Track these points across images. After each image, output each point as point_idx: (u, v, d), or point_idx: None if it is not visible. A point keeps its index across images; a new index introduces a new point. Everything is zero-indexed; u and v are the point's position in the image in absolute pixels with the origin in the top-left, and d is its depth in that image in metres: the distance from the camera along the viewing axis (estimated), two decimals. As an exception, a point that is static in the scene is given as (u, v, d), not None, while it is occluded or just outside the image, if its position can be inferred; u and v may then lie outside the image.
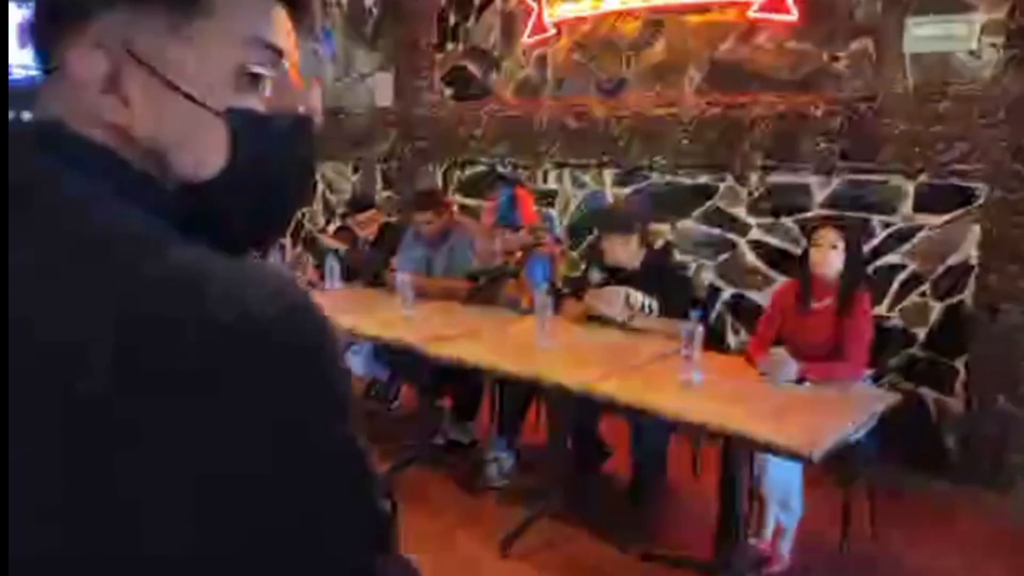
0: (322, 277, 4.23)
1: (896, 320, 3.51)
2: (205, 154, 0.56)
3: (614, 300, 3.22)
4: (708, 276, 4.09)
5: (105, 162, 0.54)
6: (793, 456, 2.16)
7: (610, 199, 4.39)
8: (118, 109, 0.54)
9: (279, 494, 0.48)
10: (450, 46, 5.12)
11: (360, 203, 4.55)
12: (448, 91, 5.17)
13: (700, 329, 2.54)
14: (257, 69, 0.57)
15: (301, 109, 0.60)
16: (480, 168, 5.03)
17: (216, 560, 0.47)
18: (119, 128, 0.54)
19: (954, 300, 3.41)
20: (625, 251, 3.23)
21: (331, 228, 4.54)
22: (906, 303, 3.52)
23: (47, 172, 0.52)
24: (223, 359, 0.47)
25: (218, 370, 0.46)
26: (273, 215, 0.62)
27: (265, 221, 0.62)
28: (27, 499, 0.45)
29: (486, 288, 3.67)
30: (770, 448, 2.23)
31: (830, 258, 2.76)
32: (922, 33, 3.39)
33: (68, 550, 0.45)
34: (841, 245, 2.76)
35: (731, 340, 4.02)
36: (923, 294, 3.48)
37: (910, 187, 3.48)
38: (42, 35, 0.56)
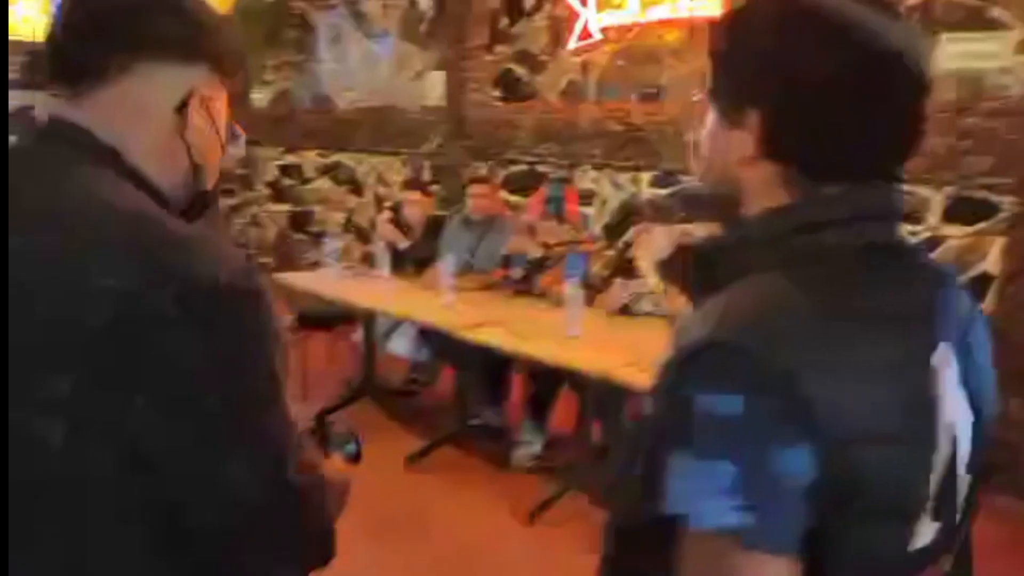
0: (368, 264, 4.54)
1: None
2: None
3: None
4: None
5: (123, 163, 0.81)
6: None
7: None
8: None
9: (223, 390, 0.72)
10: (500, 48, 5.33)
11: (416, 184, 4.87)
12: (496, 92, 5.39)
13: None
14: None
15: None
16: (522, 167, 5.24)
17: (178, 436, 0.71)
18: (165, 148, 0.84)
19: (976, 310, 3.50)
20: (662, 238, 3.36)
21: (384, 215, 4.81)
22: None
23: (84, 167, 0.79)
24: (201, 301, 0.71)
25: (195, 309, 0.70)
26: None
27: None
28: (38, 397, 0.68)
29: (521, 278, 3.87)
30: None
31: None
32: (955, 50, 3.50)
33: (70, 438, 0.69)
34: None
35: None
36: (947, 303, 3.58)
37: (938, 198, 3.58)
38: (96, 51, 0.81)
